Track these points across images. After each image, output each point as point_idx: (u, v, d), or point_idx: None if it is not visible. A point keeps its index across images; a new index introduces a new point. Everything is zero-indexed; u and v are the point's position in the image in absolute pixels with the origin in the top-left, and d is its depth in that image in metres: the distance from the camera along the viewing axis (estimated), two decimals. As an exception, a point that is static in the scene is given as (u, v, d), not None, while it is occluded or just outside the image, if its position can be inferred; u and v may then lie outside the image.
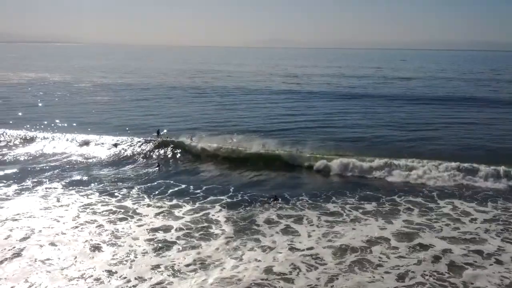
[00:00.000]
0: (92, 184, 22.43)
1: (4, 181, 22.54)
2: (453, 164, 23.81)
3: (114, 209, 19.16)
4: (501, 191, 21.71)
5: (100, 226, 17.35)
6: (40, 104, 47.06)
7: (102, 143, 29.21)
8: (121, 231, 16.84)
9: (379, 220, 18.16)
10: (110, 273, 13.82)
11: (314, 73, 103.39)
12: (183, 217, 18.32)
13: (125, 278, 13.55)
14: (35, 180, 22.83)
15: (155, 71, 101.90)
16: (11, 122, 36.25)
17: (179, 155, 27.91)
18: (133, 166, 25.94)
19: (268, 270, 14.09)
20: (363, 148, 28.29)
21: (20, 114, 40.42)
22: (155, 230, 17.06)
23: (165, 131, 31.59)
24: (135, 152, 27.95)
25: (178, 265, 14.32)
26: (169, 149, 28.38)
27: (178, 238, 16.37)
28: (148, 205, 19.66)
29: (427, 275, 13.85)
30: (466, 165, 23.69)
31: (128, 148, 28.51)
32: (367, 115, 41.32)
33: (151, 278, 13.57)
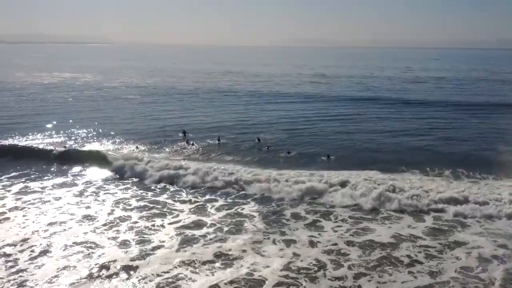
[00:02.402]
0: (130, 179, 23.33)
1: (48, 176, 23.75)
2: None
3: (150, 204, 19.87)
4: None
5: (133, 222, 17.88)
6: (75, 103, 48.99)
7: (134, 140, 30.01)
8: (152, 228, 17.35)
9: (408, 216, 18.47)
10: (130, 270, 14.09)
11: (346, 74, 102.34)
12: (215, 214, 18.84)
13: (143, 275, 13.77)
14: (73, 175, 23.97)
15: (181, 72, 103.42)
16: (48, 120, 37.80)
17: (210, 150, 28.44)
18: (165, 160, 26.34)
19: (293, 266, 14.37)
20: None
21: (57, 113, 42.16)
22: (186, 226, 17.51)
23: (190, 134, 31.82)
24: (165, 149, 28.36)
25: (201, 261, 14.58)
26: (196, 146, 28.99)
27: (207, 233, 16.78)
28: (183, 201, 20.33)
29: (458, 271, 13.98)
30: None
31: (157, 146, 29.04)
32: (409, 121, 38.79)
33: (170, 274, 13.79)
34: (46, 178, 23.46)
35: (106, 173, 24.36)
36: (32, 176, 23.56)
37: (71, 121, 37.43)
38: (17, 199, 20.18)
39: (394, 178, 22.15)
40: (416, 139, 31.34)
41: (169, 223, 17.84)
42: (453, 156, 26.77)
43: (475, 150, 28.49)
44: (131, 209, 19.26)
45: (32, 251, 15.28)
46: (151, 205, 19.77)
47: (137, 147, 28.53)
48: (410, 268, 14.26)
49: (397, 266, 14.40)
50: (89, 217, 18.28)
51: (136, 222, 17.85)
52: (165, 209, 19.34)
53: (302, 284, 13.32)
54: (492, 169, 23.31)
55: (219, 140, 30.19)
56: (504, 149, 27.89)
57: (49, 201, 20.07)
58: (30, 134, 31.96)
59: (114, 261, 14.59)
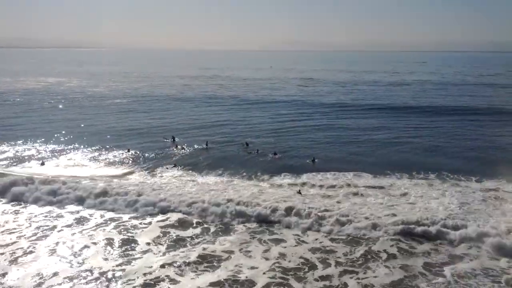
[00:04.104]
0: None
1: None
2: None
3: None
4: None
5: (122, 224, 18.24)
6: (60, 109, 49.39)
7: (128, 144, 30.45)
8: (140, 228, 17.78)
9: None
10: (113, 272, 14.33)
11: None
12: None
13: (126, 277, 14.00)
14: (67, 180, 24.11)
15: (168, 76, 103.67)
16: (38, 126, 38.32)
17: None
18: (157, 167, 26.04)
19: (280, 265, 14.85)
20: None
21: (45, 117, 42.51)
22: (173, 226, 17.99)
23: (177, 139, 32.26)
24: (151, 154, 28.42)
25: (186, 263, 14.89)
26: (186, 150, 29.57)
27: (195, 234, 17.20)
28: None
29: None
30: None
31: (147, 150, 29.22)
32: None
33: (153, 276, 14.05)
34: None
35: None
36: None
37: (61, 126, 37.80)
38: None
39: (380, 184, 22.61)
40: (397, 142, 32.17)
41: (157, 221, 18.37)
42: (437, 159, 27.62)
43: (458, 153, 29.29)
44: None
45: (13, 253, 15.60)
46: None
47: (128, 150, 29.10)
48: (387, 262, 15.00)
49: (377, 260, 15.13)
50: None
51: (124, 222, 18.38)
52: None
53: (289, 285, 13.71)
54: (475, 172, 24.22)
55: (207, 144, 30.60)
56: (487, 152, 29.19)
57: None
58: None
59: (100, 262, 14.95)
